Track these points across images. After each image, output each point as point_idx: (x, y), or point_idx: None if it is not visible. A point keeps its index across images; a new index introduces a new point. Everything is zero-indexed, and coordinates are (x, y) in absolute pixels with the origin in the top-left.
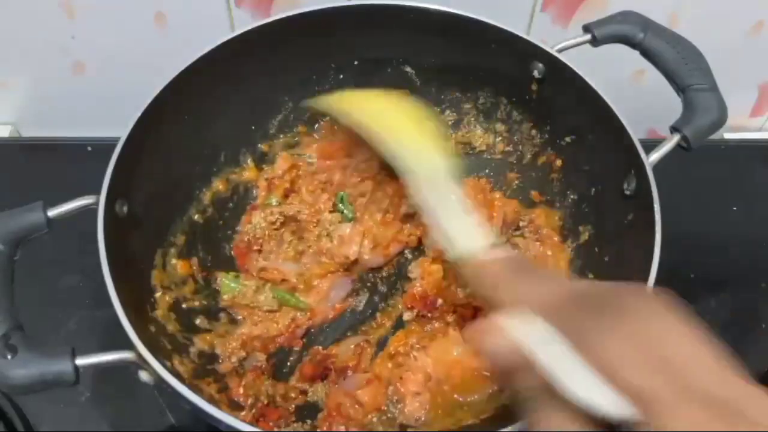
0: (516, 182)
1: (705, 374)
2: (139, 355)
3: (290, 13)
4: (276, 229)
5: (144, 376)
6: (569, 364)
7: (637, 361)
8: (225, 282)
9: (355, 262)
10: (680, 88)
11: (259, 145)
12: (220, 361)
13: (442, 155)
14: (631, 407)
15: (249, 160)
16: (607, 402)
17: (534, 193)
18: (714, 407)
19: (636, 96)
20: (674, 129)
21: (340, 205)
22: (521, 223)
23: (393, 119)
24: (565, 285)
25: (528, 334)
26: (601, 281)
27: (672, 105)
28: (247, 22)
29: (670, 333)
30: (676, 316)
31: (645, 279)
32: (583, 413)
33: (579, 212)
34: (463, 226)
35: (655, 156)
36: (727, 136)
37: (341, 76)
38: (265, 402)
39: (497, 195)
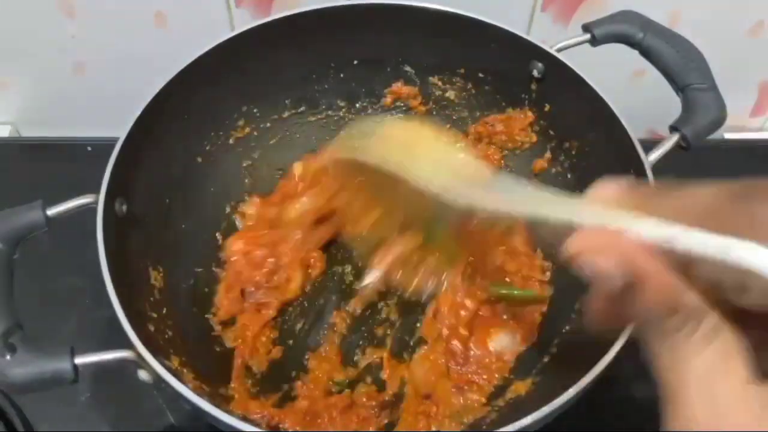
0: None
1: None
2: (139, 354)
3: (290, 13)
4: None
5: (143, 375)
6: (719, 240)
7: None
8: None
9: None
10: (679, 88)
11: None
12: None
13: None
14: None
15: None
16: None
17: None
18: None
19: (636, 96)
20: (673, 128)
21: None
22: None
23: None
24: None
25: (659, 230)
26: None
27: (672, 105)
28: (247, 21)
29: None
30: None
31: None
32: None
33: None
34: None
35: (655, 155)
36: (727, 136)
37: (341, 76)
38: None
39: None
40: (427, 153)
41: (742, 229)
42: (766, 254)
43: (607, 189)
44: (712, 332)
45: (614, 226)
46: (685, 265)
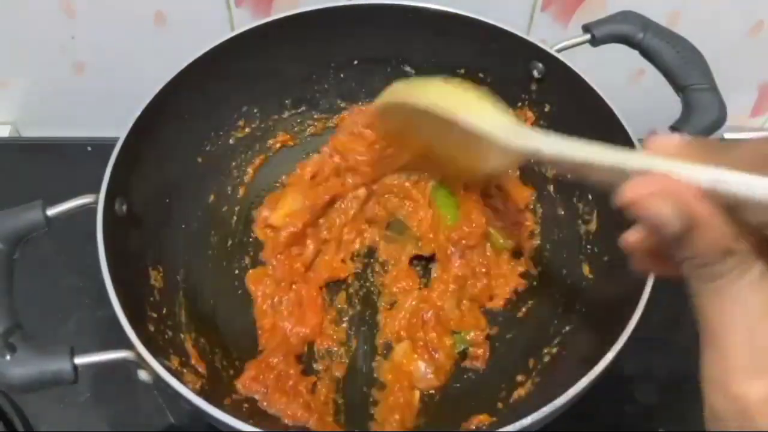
0: None
1: None
2: (139, 354)
3: (290, 13)
4: None
5: (143, 375)
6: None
7: None
8: None
9: None
10: (679, 88)
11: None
12: None
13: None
14: None
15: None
16: None
17: None
18: None
19: (636, 96)
20: (673, 128)
21: None
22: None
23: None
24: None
25: (708, 174)
26: None
27: (672, 105)
28: (247, 21)
29: None
30: None
31: (644, 279)
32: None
33: (578, 212)
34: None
35: None
36: (727, 136)
37: (341, 76)
38: None
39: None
40: (479, 102)
41: None
42: None
43: (666, 141)
44: (759, 279)
45: (666, 171)
46: (732, 209)
